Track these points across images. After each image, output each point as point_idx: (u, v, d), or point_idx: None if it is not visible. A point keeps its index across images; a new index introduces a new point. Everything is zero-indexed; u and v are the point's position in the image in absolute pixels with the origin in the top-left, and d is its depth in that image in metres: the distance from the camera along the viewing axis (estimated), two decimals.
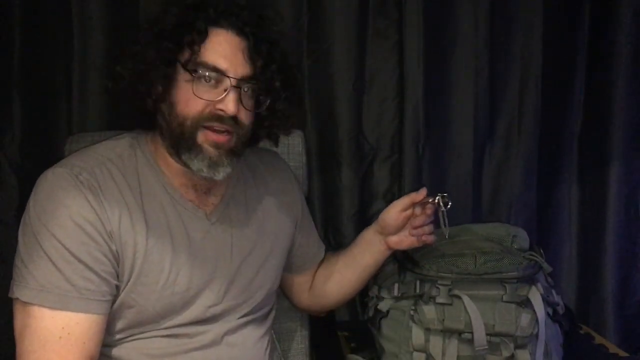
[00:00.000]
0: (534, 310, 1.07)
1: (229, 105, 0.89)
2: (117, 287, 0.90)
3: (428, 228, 1.10)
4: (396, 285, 1.16)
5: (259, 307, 1.05)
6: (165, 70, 0.90)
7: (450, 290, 1.08)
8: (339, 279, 1.18)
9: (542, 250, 1.19)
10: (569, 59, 1.54)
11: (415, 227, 1.09)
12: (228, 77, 0.89)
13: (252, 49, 0.92)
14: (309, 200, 1.32)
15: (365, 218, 1.51)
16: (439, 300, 1.08)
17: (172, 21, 0.91)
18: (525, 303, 1.07)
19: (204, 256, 0.97)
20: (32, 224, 0.85)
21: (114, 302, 0.90)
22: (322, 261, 1.21)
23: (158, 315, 0.92)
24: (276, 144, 1.08)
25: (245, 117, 0.93)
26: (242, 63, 0.91)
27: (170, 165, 0.95)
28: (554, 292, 1.15)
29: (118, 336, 0.92)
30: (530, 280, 1.10)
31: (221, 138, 0.91)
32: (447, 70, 1.49)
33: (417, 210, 1.09)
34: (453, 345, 1.07)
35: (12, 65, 1.32)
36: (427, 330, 1.09)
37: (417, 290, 1.11)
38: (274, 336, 1.17)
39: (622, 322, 1.57)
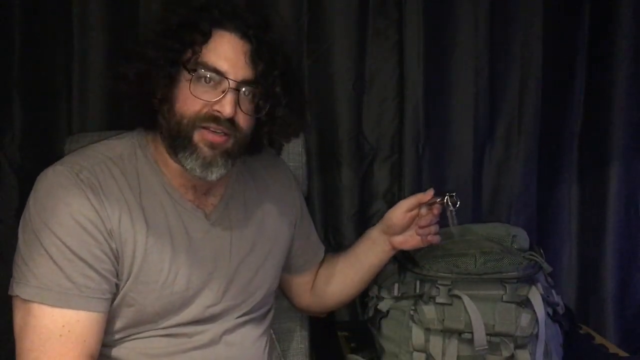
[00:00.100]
0: (534, 310, 1.07)
1: (226, 107, 0.89)
2: (117, 286, 0.90)
3: (434, 228, 1.10)
4: (396, 285, 1.16)
5: (257, 307, 1.05)
6: (169, 69, 0.90)
7: (450, 290, 1.08)
8: (341, 279, 1.18)
9: (542, 250, 1.19)
10: (569, 59, 1.54)
11: (422, 227, 1.09)
12: (227, 79, 0.89)
13: (255, 53, 0.91)
14: (309, 200, 1.32)
15: (365, 218, 1.51)
16: (439, 300, 1.08)
17: (176, 21, 0.91)
18: (525, 303, 1.08)
19: (203, 256, 0.97)
20: (32, 222, 0.85)
21: (113, 300, 0.90)
22: (323, 262, 1.21)
23: (157, 314, 0.93)
24: (279, 151, 1.08)
25: (243, 121, 0.93)
26: (243, 66, 0.91)
27: (170, 166, 0.95)
28: (554, 292, 1.15)
29: (117, 336, 0.92)
30: (530, 280, 1.10)
31: (217, 138, 0.90)
32: (447, 70, 1.49)
33: (423, 210, 1.09)
34: (453, 345, 1.07)
35: (12, 65, 1.32)
36: (427, 330, 1.09)
37: (417, 290, 1.12)
38: (274, 336, 1.17)
39: (622, 322, 1.57)
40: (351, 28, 1.44)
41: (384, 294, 1.18)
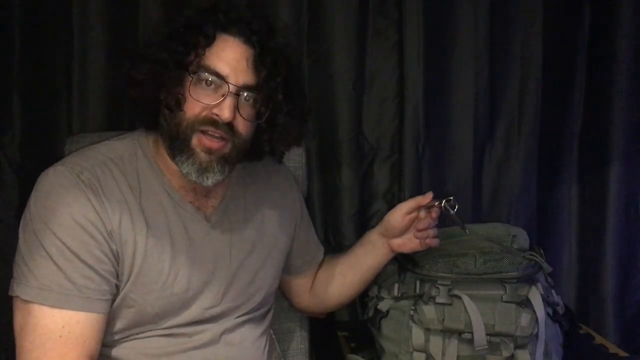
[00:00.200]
0: (533, 310, 1.07)
1: (224, 111, 0.88)
2: (117, 287, 0.90)
3: (432, 231, 1.10)
4: (396, 285, 1.16)
5: (257, 307, 1.05)
6: (173, 71, 0.90)
7: (450, 290, 1.08)
8: (340, 280, 1.18)
9: (542, 250, 1.19)
10: (569, 59, 1.54)
11: (420, 230, 1.09)
12: (228, 83, 0.89)
13: (258, 59, 0.91)
14: (308, 200, 1.32)
15: (365, 218, 1.51)
16: (439, 300, 1.08)
17: (181, 23, 0.92)
18: (525, 303, 1.08)
19: (203, 258, 0.97)
20: (33, 222, 0.85)
21: (113, 301, 0.90)
22: (322, 263, 1.21)
23: (157, 315, 0.93)
24: (279, 160, 1.08)
25: (242, 126, 0.92)
26: (244, 71, 0.90)
27: (171, 167, 0.95)
28: (553, 292, 1.15)
29: (117, 336, 0.92)
30: (530, 280, 1.10)
31: (214, 144, 0.90)
32: (447, 70, 1.49)
33: (422, 213, 1.09)
34: (453, 345, 1.07)
35: (12, 65, 1.32)
36: (427, 330, 1.09)
37: (417, 290, 1.12)
38: (273, 336, 1.17)
39: (622, 322, 1.57)
40: (351, 28, 1.44)
41: (384, 294, 1.18)
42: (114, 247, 0.88)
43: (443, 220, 1.10)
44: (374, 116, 1.48)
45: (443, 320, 1.07)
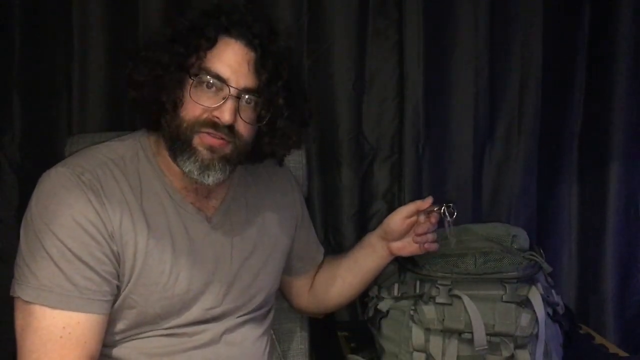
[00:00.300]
0: (533, 310, 1.07)
1: (225, 113, 0.89)
2: (118, 288, 0.90)
3: (432, 236, 1.10)
4: (396, 285, 1.16)
5: (258, 308, 1.05)
6: (175, 73, 0.90)
7: (450, 290, 1.08)
8: (339, 282, 1.18)
9: (542, 250, 1.19)
10: (569, 59, 1.54)
11: (419, 235, 1.09)
12: (229, 86, 0.89)
13: (259, 62, 0.91)
14: (309, 200, 1.32)
15: (365, 218, 1.51)
16: (439, 300, 1.08)
17: (183, 26, 0.92)
18: (525, 303, 1.08)
19: (204, 259, 0.97)
20: (34, 223, 0.85)
21: (114, 302, 0.90)
22: (322, 264, 1.21)
23: (158, 316, 0.93)
24: (280, 163, 1.08)
25: (243, 129, 0.92)
26: (246, 74, 0.91)
27: (172, 168, 0.95)
28: (553, 292, 1.15)
29: (118, 336, 0.92)
30: (530, 280, 1.10)
31: (216, 142, 0.90)
32: (447, 70, 1.49)
33: (422, 217, 1.09)
34: (453, 345, 1.07)
35: (12, 65, 1.32)
36: (427, 330, 1.09)
37: (417, 290, 1.12)
38: (274, 337, 1.17)
39: (622, 322, 1.57)
40: (351, 28, 1.44)
41: (384, 294, 1.18)
42: (114, 248, 0.88)
43: (441, 224, 1.10)
44: (374, 116, 1.49)
45: (443, 320, 1.07)
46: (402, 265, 1.18)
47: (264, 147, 1.00)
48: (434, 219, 1.08)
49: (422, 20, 1.43)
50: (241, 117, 0.91)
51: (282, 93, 0.94)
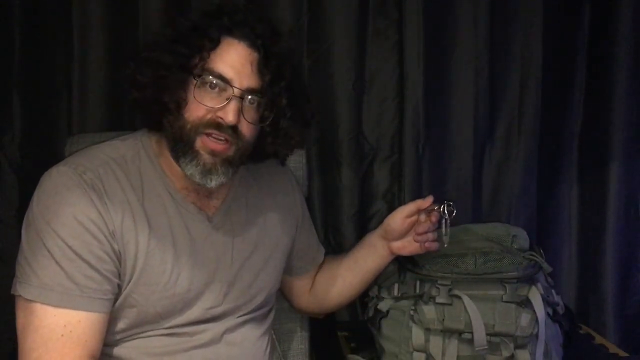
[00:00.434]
0: (534, 310, 1.07)
1: (229, 114, 0.89)
2: (119, 287, 0.90)
3: (432, 235, 1.10)
4: (396, 285, 1.16)
5: (258, 307, 1.05)
6: (181, 75, 0.90)
7: (450, 290, 1.08)
8: (340, 282, 1.19)
9: (542, 250, 1.19)
10: (569, 59, 1.54)
11: (420, 234, 1.09)
12: (232, 86, 0.89)
13: (262, 63, 0.92)
14: (309, 200, 1.32)
15: (365, 218, 1.51)
16: (439, 300, 1.08)
17: (186, 26, 0.92)
18: (525, 303, 1.08)
19: (205, 258, 0.97)
20: (36, 222, 0.86)
21: (115, 301, 0.90)
22: (323, 264, 1.21)
23: (159, 315, 0.93)
24: (282, 162, 1.08)
25: (246, 129, 0.93)
26: (249, 75, 0.91)
27: (174, 168, 0.95)
28: (553, 292, 1.15)
29: (119, 336, 0.93)
30: (530, 280, 1.10)
31: (218, 146, 0.90)
32: (447, 70, 1.48)
33: (422, 217, 1.09)
34: (453, 345, 1.07)
35: (12, 65, 1.32)
36: (427, 330, 1.09)
37: (417, 290, 1.12)
38: (274, 337, 1.17)
39: (622, 322, 1.57)
40: (351, 28, 1.44)
41: (384, 294, 1.18)
42: (116, 247, 0.88)
43: (439, 221, 1.10)
44: (374, 116, 1.48)
45: (443, 320, 1.07)
46: (402, 265, 1.18)
47: (266, 147, 1.00)
48: (434, 218, 1.08)
49: (422, 20, 1.43)
50: (244, 118, 0.91)
51: (285, 93, 0.94)
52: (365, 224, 1.50)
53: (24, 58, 1.33)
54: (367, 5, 1.44)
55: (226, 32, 0.91)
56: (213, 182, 0.92)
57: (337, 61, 1.44)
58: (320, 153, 1.48)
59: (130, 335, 0.93)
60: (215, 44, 0.90)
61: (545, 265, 1.14)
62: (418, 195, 1.45)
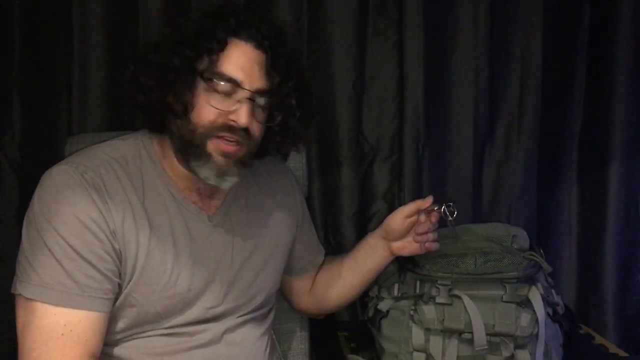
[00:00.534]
0: (534, 310, 1.07)
1: (242, 117, 0.89)
2: (120, 286, 0.90)
3: (432, 235, 1.10)
4: (396, 285, 1.16)
5: (258, 307, 1.05)
6: (189, 78, 0.89)
7: (450, 290, 1.08)
8: (340, 282, 1.19)
9: (542, 250, 1.19)
10: (569, 59, 1.54)
11: (420, 234, 1.09)
12: (243, 89, 0.89)
13: (270, 63, 0.92)
14: (309, 200, 1.32)
15: (365, 218, 1.51)
16: (439, 300, 1.08)
17: (192, 29, 0.91)
18: (525, 303, 1.08)
19: (205, 258, 0.97)
20: (36, 221, 0.86)
21: (115, 300, 0.90)
22: (323, 264, 1.21)
23: (159, 315, 0.93)
24: (285, 158, 1.09)
25: (256, 130, 0.93)
26: (258, 76, 0.91)
27: (176, 168, 0.95)
28: (553, 292, 1.15)
29: (119, 335, 0.92)
30: (530, 280, 1.10)
31: (231, 148, 0.91)
32: (447, 70, 1.49)
33: (422, 217, 1.09)
34: (453, 345, 1.07)
35: (12, 65, 1.32)
36: (427, 330, 1.09)
37: (417, 290, 1.12)
38: (274, 337, 1.17)
39: (622, 322, 1.57)
40: (351, 28, 1.44)
41: (384, 294, 1.18)
42: (116, 246, 0.88)
43: (440, 222, 1.10)
44: (374, 116, 1.49)
45: (443, 320, 1.07)
46: (402, 265, 1.18)
47: (274, 145, 1.01)
48: (434, 218, 1.08)
49: (422, 20, 1.43)
50: (255, 119, 0.92)
51: (293, 93, 0.95)
52: (365, 224, 1.50)
53: (24, 58, 1.33)
54: (367, 5, 1.44)
55: (232, 33, 0.91)
56: (228, 183, 0.92)
57: (337, 61, 1.44)
58: (320, 153, 1.48)
59: (130, 335, 0.93)
60: (222, 45, 0.89)
61: (545, 265, 1.14)
62: (418, 195, 1.45)
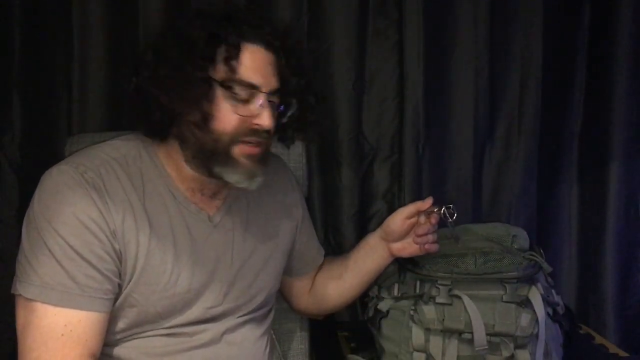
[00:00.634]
0: (534, 310, 1.07)
1: (266, 120, 0.90)
2: (120, 286, 0.90)
3: (432, 237, 1.10)
4: (396, 285, 1.16)
5: (258, 308, 1.05)
6: (207, 88, 0.88)
7: (450, 290, 1.08)
8: (340, 283, 1.19)
9: (542, 250, 1.19)
10: (569, 59, 1.54)
11: (419, 235, 1.09)
12: (262, 92, 0.90)
13: (279, 62, 0.93)
14: (309, 200, 1.32)
15: (365, 218, 1.51)
16: (439, 300, 1.08)
17: (203, 37, 0.88)
18: (525, 303, 1.08)
19: (206, 258, 0.97)
20: (36, 221, 0.85)
21: (115, 300, 0.90)
22: (323, 265, 1.21)
23: (159, 315, 0.93)
24: (292, 143, 1.10)
25: (273, 128, 0.94)
26: (271, 77, 0.92)
27: (181, 169, 0.95)
28: (554, 292, 1.15)
29: (119, 335, 0.92)
30: (530, 280, 1.10)
31: (255, 150, 0.92)
32: (447, 70, 1.49)
33: (422, 218, 1.09)
34: (453, 345, 1.07)
35: (12, 65, 1.32)
36: (427, 330, 1.09)
37: (417, 291, 1.12)
38: (274, 337, 1.17)
39: (622, 322, 1.57)
40: (351, 28, 1.44)
41: (384, 294, 1.18)
42: (117, 246, 0.88)
43: (440, 223, 1.10)
44: (374, 116, 1.48)
45: (443, 320, 1.07)
46: (402, 265, 1.18)
47: (285, 137, 1.03)
48: (434, 219, 1.08)
49: (422, 20, 1.43)
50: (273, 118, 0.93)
51: (301, 89, 0.97)
52: (365, 224, 1.50)
53: (24, 58, 1.33)
54: (367, 5, 1.44)
55: (243, 37, 0.90)
56: (255, 184, 0.93)
57: (337, 61, 1.44)
58: (320, 153, 1.48)
59: (130, 335, 0.93)
60: (238, 51, 0.89)
61: (545, 265, 1.14)
62: (418, 195, 1.45)
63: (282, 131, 1.00)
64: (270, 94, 0.92)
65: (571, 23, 1.53)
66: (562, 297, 1.18)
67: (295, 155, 1.25)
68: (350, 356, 1.24)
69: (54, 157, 1.16)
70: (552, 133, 1.56)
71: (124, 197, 0.90)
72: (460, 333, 1.07)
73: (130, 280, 0.90)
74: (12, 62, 1.32)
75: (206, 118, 0.88)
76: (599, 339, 1.36)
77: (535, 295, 1.07)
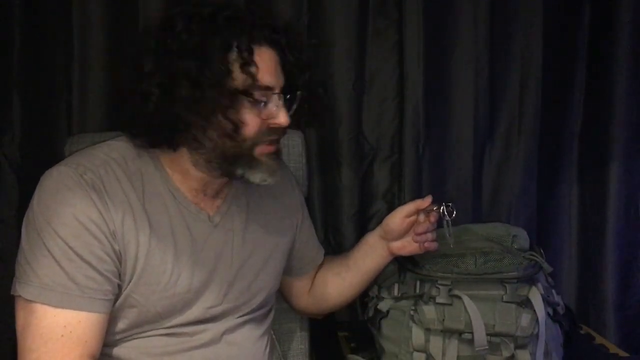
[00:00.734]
0: (534, 310, 1.07)
1: (283, 118, 0.91)
2: (119, 287, 0.90)
3: (431, 235, 1.10)
4: (396, 285, 1.16)
5: (258, 307, 1.05)
6: (230, 100, 0.86)
7: (450, 290, 1.08)
8: (339, 282, 1.19)
9: (542, 250, 1.19)
10: (569, 59, 1.54)
11: (419, 234, 1.09)
12: (275, 93, 0.91)
13: (284, 60, 0.94)
14: (309, 200, 1.32)
15: (365, 218, 1.51)
16: (439, 300, 1.08)
17: (216, 45, 0.86)
18: (526, 303, 1.08)
19: (206, 258, 0.97)
20: (36, 222, 0.85)
21: (115, 301, 0.90)
22: (322, 264, 1.21)
23: (159, 315, 0.93)
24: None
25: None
26: (279, 74, 0.92)
27: (185, 171, 0.95)
28: (554, 292, 1.15)
29: (119, 336, 0.92)
30: (531, 280, 1.10)
31: (274, 147, 0.94)
32: (447, 70, 1.49)
33: (421, 217, 1.09)
34: (453, 345, 1.07)
35: (12, 65, 1.32)
36: (427, 331, 1.09)
37: (417, 291, 1.12)
38: (274, 337, 1.17)
39: (622, 322, 1.57)
40: (351, 28, 1.44)
41: (384, 294, 1.18)
42: (116, 247, 0.88)
43: (440, 222, 1.10)
44: (374, 116, 1.48)
45: (443, 320, 1.07)
46: (402, 265, 1.18)
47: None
48: (433, 218, 1.08)
49: (422, 20, 1.43)
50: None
51: (309, 81, 0.98)
52: (365, 224, 1.50)
53: (24, 58, 1.33)
54: (367, 5, 1.44)
55: (253, 41, 0.89)
56: (276, 178, 0.95)
57: (337, 61, 1.44)
58: (320, 153, 1.48)
59: (130, 335, 0.93)
60: (251, 56, 0.88)
61: (545, 265, 1.14)
62: (418, 195, 1.45)
63: (293, 124, 0.99)
64: (284, 91, 0.92)
65: (571, 23, 1.53)
66: (562, 297, 1.18)
67: (295, 155, 1.25)
68: (350, 356, 1.24)
69: (54, 157, 1.16)
70: (552, 133, 1.56)
71: (123, 197, 0.90)
72: (460, 333, 1.07)
73: (130, 281, 0.90)
74: (12, 62, 1.32)
75: (237, 127, 0.88)
76: (599, 339, 1.36)
77: (536, 295, 1.07)
